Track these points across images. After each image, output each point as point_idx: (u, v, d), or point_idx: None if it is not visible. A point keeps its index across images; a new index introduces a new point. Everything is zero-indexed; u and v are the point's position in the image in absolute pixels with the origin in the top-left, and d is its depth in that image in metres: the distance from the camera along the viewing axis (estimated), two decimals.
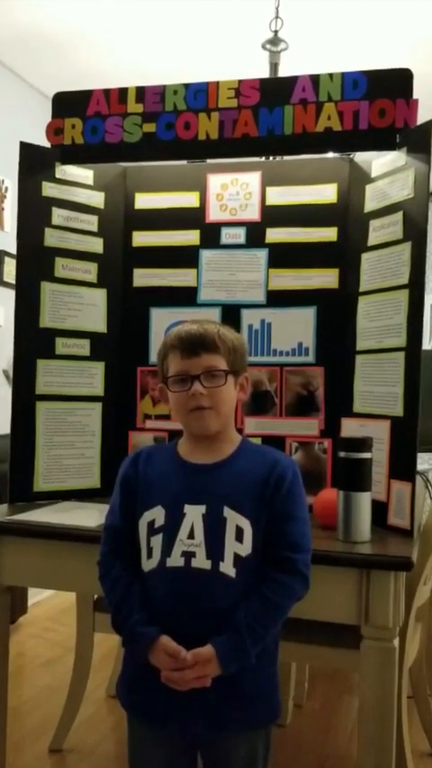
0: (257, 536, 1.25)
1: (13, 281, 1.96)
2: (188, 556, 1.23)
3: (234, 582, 1.23)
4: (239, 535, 1.24)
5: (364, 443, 1.54)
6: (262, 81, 1.83)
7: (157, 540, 1.26)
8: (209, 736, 1.29)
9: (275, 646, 1.33)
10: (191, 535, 1.24)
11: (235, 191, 2.00)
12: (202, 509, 1.25)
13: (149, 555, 1.27)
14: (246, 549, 1.24)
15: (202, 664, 1.19)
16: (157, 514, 1.28)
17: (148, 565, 1.27)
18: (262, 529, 1.26)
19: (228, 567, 1.23)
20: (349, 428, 1.83)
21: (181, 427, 1.38)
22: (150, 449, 1.43)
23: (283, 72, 2.72)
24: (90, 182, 2.00)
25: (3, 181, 3.54)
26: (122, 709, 1.35)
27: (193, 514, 1.25)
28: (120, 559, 1.32)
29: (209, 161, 2.01)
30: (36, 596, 3.51)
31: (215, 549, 1.23)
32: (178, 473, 1.32)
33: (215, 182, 2.01)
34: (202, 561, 1.23)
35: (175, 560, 1.24)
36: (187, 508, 1.26)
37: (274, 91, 1.81)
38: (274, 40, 2.75)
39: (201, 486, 1.28)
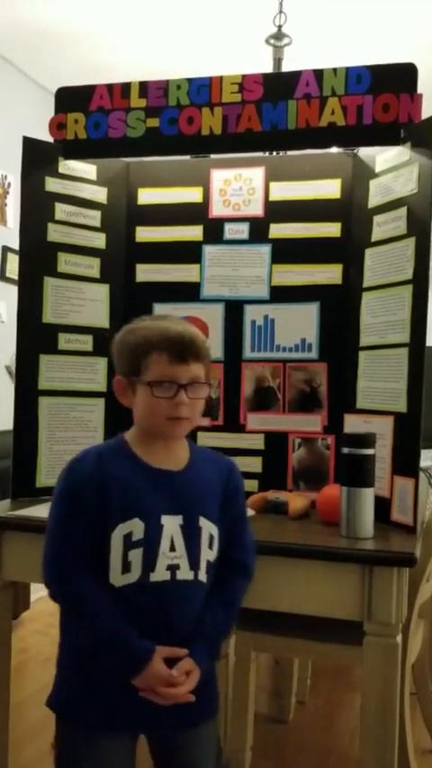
0: (221, 540, 1.28)
1: (16, 277, 1.96)
2: (173, 569, 1.21)
3: (205, 586, 1.25)
4: (211, 542, 1.26)
5: (367, 439, 1.54)
6: (265, 76, 1.83)
7: (136, 555, 1.20)
8: (167, 733, 1.28)
9: None
10: (172, 547, 1.22)
11: (238, 186, 1.99)
12: (179, 520, 1.23)
13: (126, 569, 1.20)
14: (214, 554, 1.27)
15: (189, 677, 1.20)
16: (134, 527, 1.20)
17: (123, 579, 1.20)
18: (224, 533, 1.29)
19: (203, 575, 1.24)
20: (352, 424, 1.83)
21: None
22: (102, 448, 1.29)
23: (287, 67, 2.71)
24: (93, 177, 2.00)
25: (5, 176, 3.54)
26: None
27: (172, 526, 1.22)
28: (86, 574, 1.21)
29: (212, 156, 2.01)
30: (39, 592, 3.50)
31: (194, 558, 1.23)
32: (146, 480, 1.24)
33: (218, 177, 2.00)
34: (185, 572, 1.22)
35: (161, 575, 1.20)
36: (165, 519, 1.22)
37: (278, 86, 1.81)
38: (278, 35, 2.75)
39: (173, 495, 1.24)
